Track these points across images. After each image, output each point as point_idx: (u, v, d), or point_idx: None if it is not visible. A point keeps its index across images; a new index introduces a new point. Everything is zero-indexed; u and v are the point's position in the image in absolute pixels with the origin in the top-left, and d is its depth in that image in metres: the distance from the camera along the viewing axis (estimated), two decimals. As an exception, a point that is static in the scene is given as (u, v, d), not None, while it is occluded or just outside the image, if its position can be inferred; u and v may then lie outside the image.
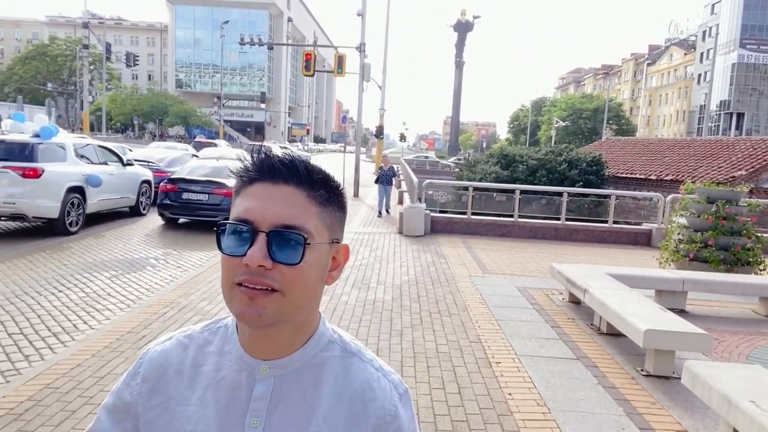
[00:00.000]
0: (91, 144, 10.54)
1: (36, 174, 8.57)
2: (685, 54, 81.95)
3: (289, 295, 0.72)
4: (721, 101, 71.48)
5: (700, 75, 77.02)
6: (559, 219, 11.29)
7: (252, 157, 0.78)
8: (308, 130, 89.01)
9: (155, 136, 73.93)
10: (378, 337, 4.86)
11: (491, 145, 79.86)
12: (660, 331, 3.99)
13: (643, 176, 20.81)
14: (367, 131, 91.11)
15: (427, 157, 49.65)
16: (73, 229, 9.23)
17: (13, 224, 9.72)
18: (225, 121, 68.06)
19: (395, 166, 16.71)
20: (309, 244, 0.73)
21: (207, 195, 10.28)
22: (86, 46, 40.43)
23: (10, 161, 8.53)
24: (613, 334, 5.01)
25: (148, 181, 12.02)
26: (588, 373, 4.21)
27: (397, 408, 0.82)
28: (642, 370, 4.25)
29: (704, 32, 76.74)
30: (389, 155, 26.88)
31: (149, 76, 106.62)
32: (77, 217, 9.38)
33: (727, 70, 70.71)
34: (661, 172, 21.33)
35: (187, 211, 10.41)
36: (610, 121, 67.89)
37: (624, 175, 21.42)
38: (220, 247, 0.73)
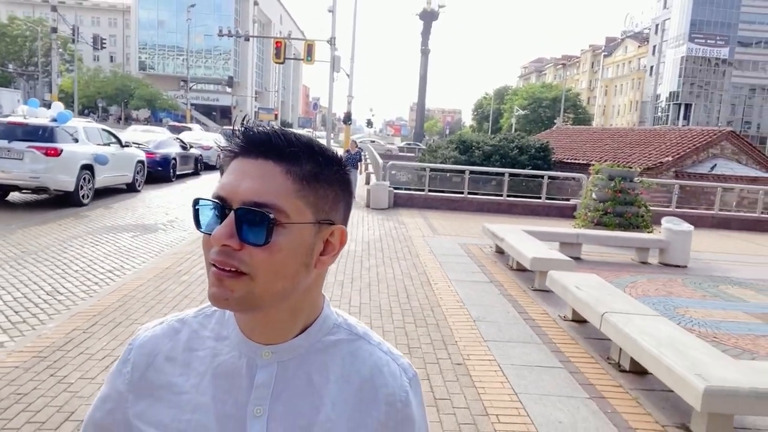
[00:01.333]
0: (96, 127, 12.00)
1: (56, 153, 10.05)
2: (639, 46, 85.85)
3: (259, 279, 0.67)
4: (670, 92, 75.57)
5: (652, 67, 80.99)
6: (501, 195, 13.36)
7: (234, 131, 0.73)
8: (276, 115, 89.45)
9: (120, 119, 73.50)
10: (352, 270, 6.73)
11: (455, 131, 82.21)
12: (541, 258, 6.00)
13: (584, 161, 23.18)
14: (335, 117, 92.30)
15: (391, 146, 51.96)
16: (85, 201, 10.73)
17: (29, 196, 11.13)
18: (191, 104, 68.19)
19: (361, 151, 18.43)
20: (277, 223, 0.67)
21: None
22: (54, 30, 40.50)
23: (34, 142, 9.99)
24: (520, 269, 7.01)
25: (142, 161, 13.50)
26: (496, 290, 6.19)
27: (408, 394, 0.78)
28: (531, 287, 6.26)
29: (657, 26, 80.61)
30: (352, 141, 28.61)
31: (111, 57, 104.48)
32: (88, 191, 10.88)
33: (676, 62, 74.72)
34: (600, 157, 23.77)
35: None
36: (568, 110, 70.96)
37: (569, 161, 23.81)
38: (197, 225, 0.71)
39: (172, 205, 11.74)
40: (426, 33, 64.00)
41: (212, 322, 0.79)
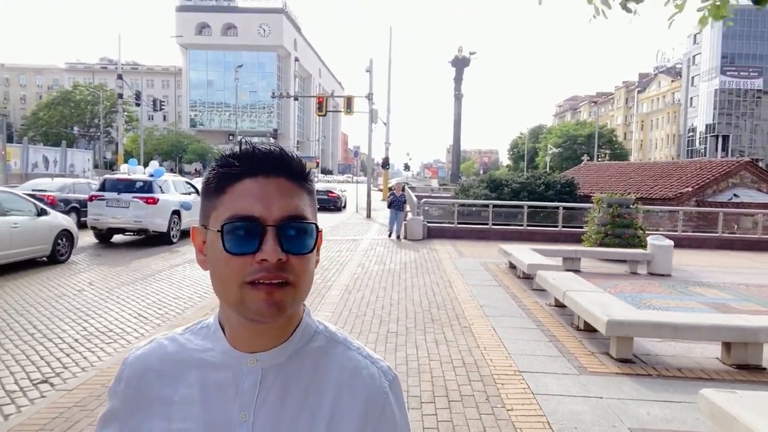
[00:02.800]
0: (181, 180, 14.62)
1: (155, 201, 12.58)
2: (672, 81, 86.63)
3: (300, 285, 0.74)
4: (706, 125, 75.72)
5: (686, 100, 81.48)
6: (522, 225, 15.18)
7: (237, 152, 0.76)
8: (317, 163, 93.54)
9: (174, 172, 78.60)
10: (392, 280, 8.72)
11: (493, 171, 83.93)
12: (535, 264, 7.89)
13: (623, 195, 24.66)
14: (374, 162, 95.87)
15: (431, 188, 54.48)
16: (174, 240, 13.17)
17: (129, 238, 13.66)
18: (239, 156, 72.42)
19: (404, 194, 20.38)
20: (321, 231, 0.76)
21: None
22: (121, 96, 45.21)
23: (137, 193, 12.55)
24: (525, 277, 8.85)
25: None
26: (502, 290, 8.06)
27: (388, 395, 0.81)
28: (530, 287, 8.11)
29: (688, 60, 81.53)
30: (396, 183, 30.91)
31: (164, 116, 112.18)
32: (177, 231, 13.34)
33: (710, 95, 75.18)
34: (624, 190, 25.24)
35: None
36: (603, 146, 71.93)
37: (594, 194, 25.29)
38: (225, 248, 0.72)
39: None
40: (458, 79, 67.06)
41: (199, 337, 0.83)
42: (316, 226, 0.76)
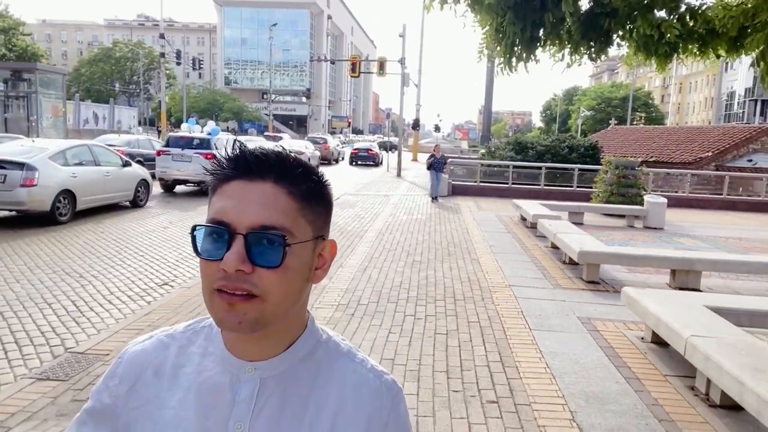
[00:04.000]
0: (234, 138, 16.39)
1: (212, 157, 14.32)
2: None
3: (271, 299, 0.70)
4: (745, 89, 73.75)
5: (726, 63, 79.07)
6: (540, 185, 16.55)
7: (227, 152, 0.75)
8: (349, 122, 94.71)
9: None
10: (418, 228, 10.35)
11: (525, 133, 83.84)
12: (539, 214, 9.42)
13: (632, 158, 25.63)
14: (405, 123, 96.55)
15: (461, 149, 55.60)
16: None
17: (189, 188, 15.57)
18: (272, 115, 74.28)
19: (445, 155, 21.54)
20: (289, 244, 0.70)
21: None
22: (163, 54, 47.00)
23: (198, 149, 14.36)
24: (532, 227, 10.36)
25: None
26: (510, 236, 9.62)
27: (391, 410, 0.79)
28: (535, 234, 9.64)
29: (732, 20, 78.65)
30: (436, 145, 32.20)
31: (200, 74, 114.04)
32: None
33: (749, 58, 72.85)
34: (647, 154, 26.15)
35: None
36: (639, 109, 71.06)
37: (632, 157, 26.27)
38: (196, 251, 0.70)
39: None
40: (491, 40, 66.26)
41: (200, 338, 0.81)
42: (285, 239, 0.69)
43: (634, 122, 62.81)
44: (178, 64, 53.90)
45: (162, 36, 47.01)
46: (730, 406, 3.38)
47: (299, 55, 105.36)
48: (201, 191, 15.24)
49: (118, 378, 0.80)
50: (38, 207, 9.11)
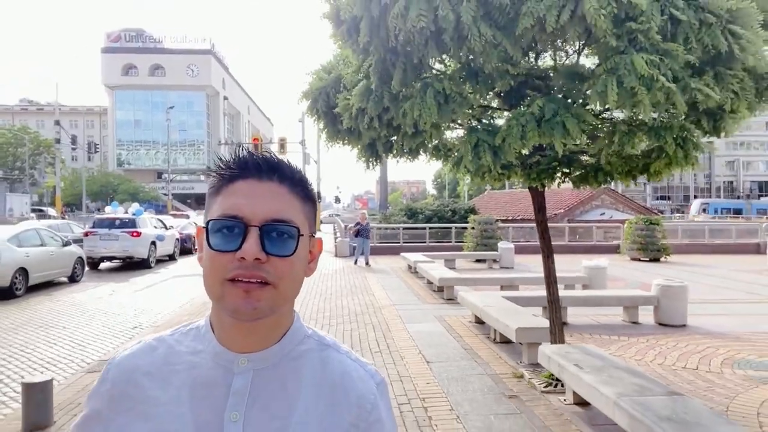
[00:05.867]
0: (155, 217, 18.21)
1: (138, 234, 16.15)
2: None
3: (281, 287, 0.76)
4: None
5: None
6: (425, 242, 19.88)
7: (234, 155, 0.81)
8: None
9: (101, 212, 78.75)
10: (326, 280, 12.90)
11: (408, 202, 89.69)
12: (419, 260, 12.40)
13: (504, 217, 30.06)
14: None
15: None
16: (152, 264, 16.71)
17: (116, 264, 17.04)
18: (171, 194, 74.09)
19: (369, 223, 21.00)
20: (303, 235, 0.78)
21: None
22: (58, 141, 47.03)
23: (124, 228, 16.09)
24: (414, 271, 13.27)
25: (178, 239, 19.60)
26: (398, 279, 12.48)
27: (376, 396, 0.84)
28: (418, 277, 12.58)
29: None
30: (362, 214, 34.98)
31: (89, 157, 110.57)
32: (155, 258, 16.90)
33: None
34: (515, 213, 30.71)
35: None
36: (515, 175, 79.13)
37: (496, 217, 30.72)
38: (209, 245, 0.76)
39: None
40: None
41: (188, 338, 0.85)
42: (299, 230, 0.78)
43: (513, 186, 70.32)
44: (74, 149, 53.67)
45: (57, 123, 47.38)
46: (505, 342, 6.26)
47: (196, 134, 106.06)
48: (124, 265, 16.80)
49: (110, 382, 0.83)
50: (-1, 283, 10.63)
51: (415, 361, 5.75)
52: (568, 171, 4.56)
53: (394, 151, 4.86)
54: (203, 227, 0.79)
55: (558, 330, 5.11)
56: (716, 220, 39.03)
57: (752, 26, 2.88)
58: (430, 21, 2.94)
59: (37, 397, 4.30)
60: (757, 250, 19.81)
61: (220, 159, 0.81)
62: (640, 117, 3.34)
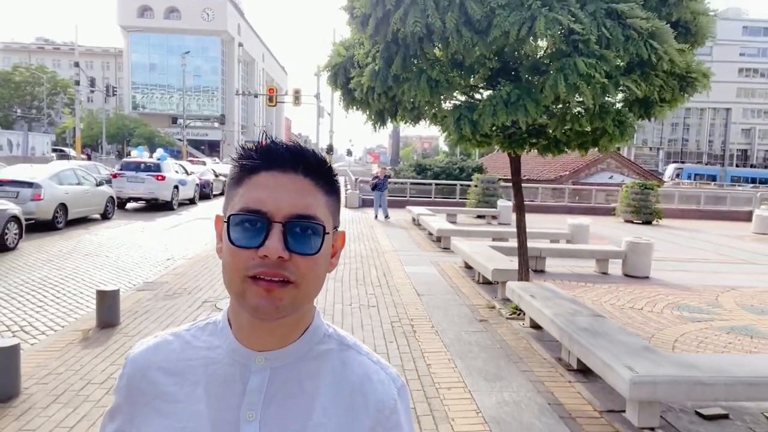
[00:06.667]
0: (178, 162, 19.34)
1: (163, 178, 17.31)
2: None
3: (303, 285, 0.74)
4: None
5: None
6: (431, 197, 20.92)
7: (257, 144, 0.77)
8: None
9: (120, 155, 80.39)
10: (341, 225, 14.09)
11: (419, 158, 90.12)
12: (421, 215, 13.49)
13: (509, 176, 30.96)
14: (319, 148, 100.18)
15: (372, 171, 60.60)
16: (175, 207, 17.94)
17: (141, 204, 18.28)
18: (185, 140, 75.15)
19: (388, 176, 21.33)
20: (328, 233, 0.76)
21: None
22: (77, 83, 47.79)
23: (150, 172, 17.23)
24: (417, 224, 14.37)
25: (198, 184, 20.78)
26: (404, 232, 13.60)
27: (396, 401, 0.82)
28: (419, 229, 13.70)
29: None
30: (380, 168, 36.03)
31: (105, 99, 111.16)
32: (177, 200, 18.11)
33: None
34: (522, 173, 31.53)
35: None
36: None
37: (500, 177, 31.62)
38: (230, 240, 0.73)
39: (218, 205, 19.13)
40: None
41: (205, 333, 0.83)
42: (324, 228, 0.75)
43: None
44: (92, 91, 54.47)
45: (77, 64, 48.00)
46: (486, 282, 7.38)
47: (211, 80, 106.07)
48: (149, 206, 18.05)
49: (126, 378, 0.83)
50: (43, 216, 11.86)
51: (408, 293, 6.91)
52: (535, 142, 5.53)
53: (398, 118, 5.85)
54: (222, 218, 0.78)
55: (524, 271, 6.22)
56: (691, 185, 39.54)
57: (667, 41, 3.82)
58: (423, 25, 3.90)
59: (108, 302, 5.50)
60: (749, 218, 20.65)
61: (242, 147, 0.79)
62: (584, 103, 4.31)
